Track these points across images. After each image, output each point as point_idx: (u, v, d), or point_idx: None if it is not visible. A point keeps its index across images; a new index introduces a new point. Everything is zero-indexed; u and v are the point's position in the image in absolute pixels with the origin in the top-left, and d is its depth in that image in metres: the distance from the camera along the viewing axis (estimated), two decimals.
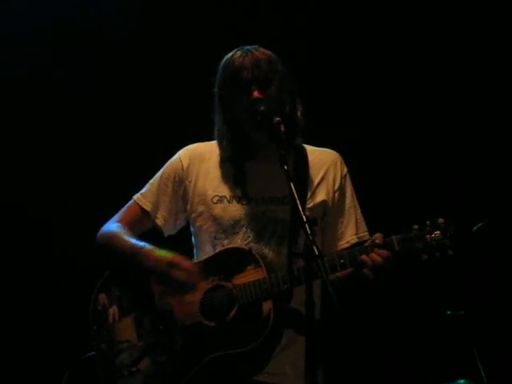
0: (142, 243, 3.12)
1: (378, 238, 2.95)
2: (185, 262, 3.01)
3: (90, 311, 3.20)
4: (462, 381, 4.57)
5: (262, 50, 3.14)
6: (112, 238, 3.19)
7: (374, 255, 2.90)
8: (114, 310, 3.17)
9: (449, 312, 4.68)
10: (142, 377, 3.06)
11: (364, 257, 2.91)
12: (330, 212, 3.19)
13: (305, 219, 2.68)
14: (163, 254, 3.06)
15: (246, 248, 3.05)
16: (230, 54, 3.15)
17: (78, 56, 4.86)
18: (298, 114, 3.16)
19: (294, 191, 2.75)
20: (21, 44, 4.88)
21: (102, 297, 3.20)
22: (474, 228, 2.77)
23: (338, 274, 3.05)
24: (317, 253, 2.63)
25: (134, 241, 3.13)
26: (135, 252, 3.10)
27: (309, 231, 2.65)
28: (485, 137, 4.86)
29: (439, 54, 4.93)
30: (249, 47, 3.14)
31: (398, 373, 5.00)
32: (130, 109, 4.93)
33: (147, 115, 4.94)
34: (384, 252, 2.90)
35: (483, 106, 4.87)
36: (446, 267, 4.65)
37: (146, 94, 4.94)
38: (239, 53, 3.12)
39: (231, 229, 3.11)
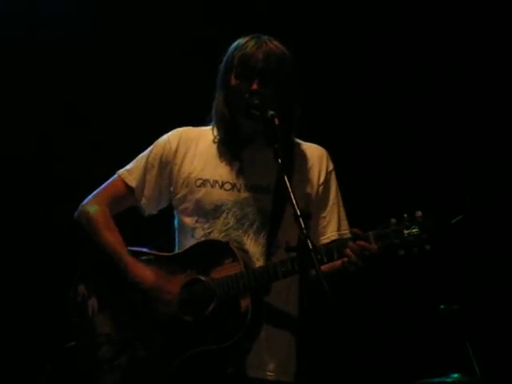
0: (124, 252, 3.08)
1: (355, 231, 2.91)
2: (165, 295, 2.99)
3: (70, 302, 3.17)
4: (456, 375, 4.58)
5: (276, 43, 3.11)
6: (94, 226, 3.15)
7: (348, 251, 2.87)
8: (93, 302, 3.13)
9: (442, 306, 4.68)
10: (122, 372, 3.04)
11: (348, 251, 2.87)
12: (313, 206, 3.15)
13: (299, 213, 2.66)
14: (147, 274, 3.03)
15: (224, 241, 3.02)
16: (246, 39, 3.11)
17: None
18: (295, 114, 3.13)
19: (289, 185, 2.74)
20: None
21: (82, 288, 3.16)
22: (453, 221, 2.69)
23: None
24: (311, 246, 2.62)
25: (117, 246, 3.10)
26: (116, 258, 3.08)
27: (303, 225, 2.64)
28: (463, 130, 4.91)
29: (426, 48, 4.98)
30: (265, 37, 3.10)
31: (391, 366, 4.99)
32: (117, 93, 4.94)
33: (133, 98, 4.95)
34: (359, 248, 2.85)
35: (464, 103, 4.93)
36: (438, 261, 4.66)
37: (135, 78, 4.95)
38: (254, 41, 3.09)
39: (212, 213, 3.09)
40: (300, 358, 3.15)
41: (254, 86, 3.02)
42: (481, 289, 4.90)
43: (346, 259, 2.88)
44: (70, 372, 3.17)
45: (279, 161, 2.80)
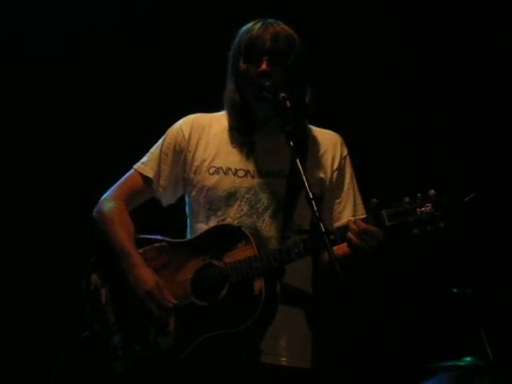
0: (132, 248, 3.07)
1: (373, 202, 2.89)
2: (162, 295, 2.98)
3: (83, 291, 3.18)
4: (468, 358, 4.58)
5: (283, 25, 3.12)
6: (107, 224, 3.15)
7: (349, 234, 2.84)
8: (106, 291, 3.14)
9: (455, 289, 4.68)
10: (137, 358, 3.03)
11: (350, 235, 2.86)
12: (327, 192, 3.15)
13: (311, 196, 2.68)
14: (147, 275, 3.01)
15: (236, 225, 3.02)
16: (252, 23, 3.13)
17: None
18: (306, 98, 3.13)
19: (300, 168, 2.75)
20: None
21: (94, 277, 3.17)
22: (466, 199, 2.69)
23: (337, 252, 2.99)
24: (323, 229, 2.63)
25: (125, 242, 3.08)
26: (123, 256, 3.06)
27: (315, 208, 2.66)
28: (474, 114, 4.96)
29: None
30: (271, 20, 3.11)
31: (404, 350, 5.00)
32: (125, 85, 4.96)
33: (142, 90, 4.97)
34: (372, 228, 2.85)
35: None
36: (451, 243, 4.67)
37: (142, 69, 4.97)
38: (260, 23, 3.10)
39: (225, 201, 3.09)
40: (317, 343, 3.12)
41: (263, 66, 3.02)
42: (493, 272, 4.90)
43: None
44: (85, 360, 3.17)
45: (291, 143, 2.81)
